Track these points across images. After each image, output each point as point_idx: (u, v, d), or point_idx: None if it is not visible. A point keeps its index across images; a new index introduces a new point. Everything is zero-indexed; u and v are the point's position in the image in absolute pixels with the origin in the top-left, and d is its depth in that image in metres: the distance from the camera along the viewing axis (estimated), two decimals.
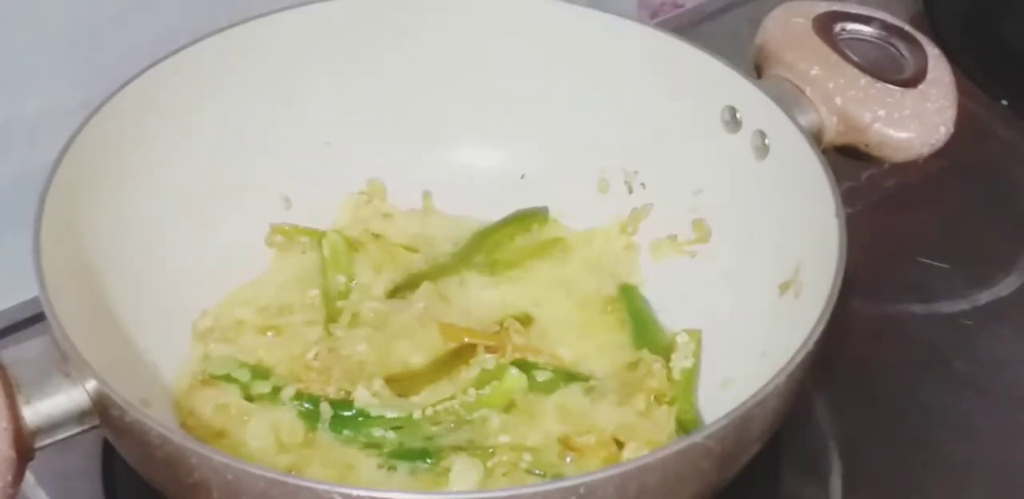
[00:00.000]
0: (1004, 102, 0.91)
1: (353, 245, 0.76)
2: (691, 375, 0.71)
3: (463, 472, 0.65)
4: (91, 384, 0.57)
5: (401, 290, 0.74)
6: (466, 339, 0.72)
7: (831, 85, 0.70)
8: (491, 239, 0.77)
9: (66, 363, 0.58)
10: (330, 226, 0.78)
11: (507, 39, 0.76)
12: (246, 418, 0.69)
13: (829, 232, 0.63)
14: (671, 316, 0.74)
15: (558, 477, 0.64)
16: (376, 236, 0.77)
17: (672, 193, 0.76)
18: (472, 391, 0.69)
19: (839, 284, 0.60)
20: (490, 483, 0.66)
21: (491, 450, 0.67)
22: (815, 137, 0.69)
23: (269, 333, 0.73)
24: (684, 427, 0.69)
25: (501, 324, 0.73)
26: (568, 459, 0.67)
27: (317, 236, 0.76)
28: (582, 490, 0.53)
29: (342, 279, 0.74)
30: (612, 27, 0.75)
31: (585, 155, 0.78)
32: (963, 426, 0.73)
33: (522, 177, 0.79)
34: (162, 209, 0.72)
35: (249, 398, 0.69)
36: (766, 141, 0.70)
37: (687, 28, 0.94)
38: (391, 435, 0.68)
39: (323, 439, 0.68)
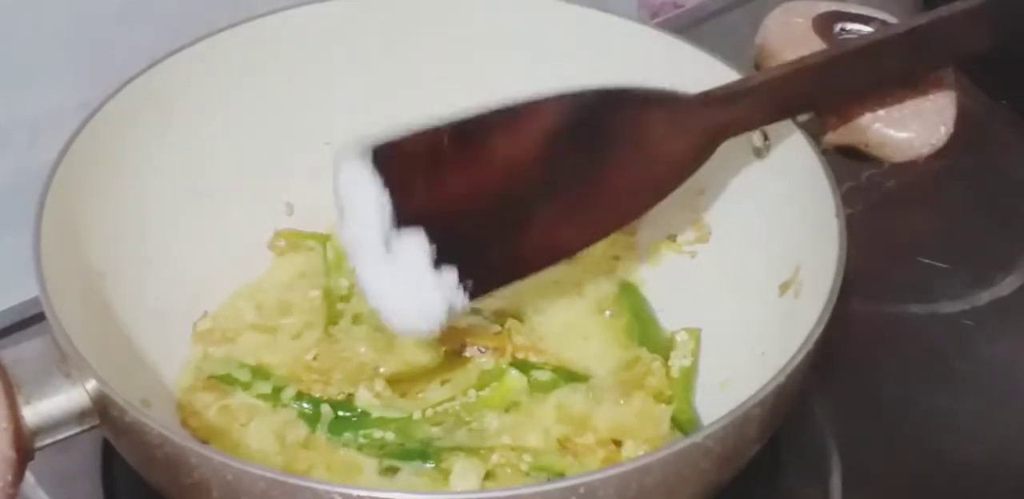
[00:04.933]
0: (1004, 102, 0.91)
1: None
2: (689, 374, 0.71)
3: (464, 473, 0.65)
4: (91, 384, 0.57)
5: None
6: (468, 340, 0.72)
7: None
8: None
9: (66, 363, 0.58)
10: (331, 227, 0.77)
11: (507, 39, 0.76)
12: (247, 419, 0.69)
13: (829, 232, 0.63)
14: (671, 316, 0.74)
15: (558, 477, 0.64)
16: None
17: (672, 193, 0.76)
18: (472, 392, 0.69)
19: (839, 284, 0.60)
20: (490, 484, 0.66)
21: (491, 451, 0.67)
22: (815, 137, 0.69)
23: (269, 334, 0.73)
24: (681, 427, 0.69)
25: (502, 324, 0.73)
26: (568, 459, 0.67)
27: (321, 240, 0.76)
28: (582, 490, 0.53)
29: (344, 282, 0.74)
30: (612, 27, 0.75)
31: None
32: (963, 426, 0.73)
33: None
34: (162, 209, 0.72)
35: (250, 399, 0.69)
36: (766, 141, 0.70)
37: (687, 28, 0.94)
38: (391, 436, 0.68)
39: (324, 440, 0.68)
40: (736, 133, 0.66)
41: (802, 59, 0.66)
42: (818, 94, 0.67)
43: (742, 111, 0.65)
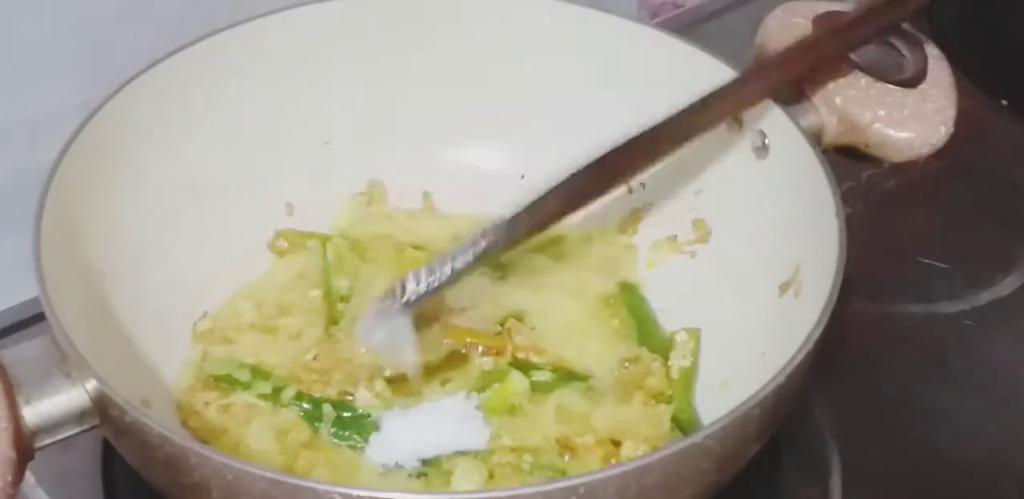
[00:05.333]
0: (1004, 102, 0.91)
1: (357, 248, 0.76)
2: (689, 374, 0.71)
3: (465, 474, 0.66)
4: (91, 384, 0.57)
5: None
6: (468, 340, 0.72)
7: (831, 85, 0.70)
8: None
9: (66, 363, 0.58)
10: (331, 227, 0.78)
11: (507, 39, 0.76)
12: (247, 419, 0.69)
13: (829, 232, 0.63)
14: (671, 316, 0.74)
15: (558, 477, 0.64)
16: (381, 237, 0.77)
17: (672, 193, 0.76)
18: (475, 394, 0.69)
19: (839, 284, 0.60)
20: (491, 484, 0.66)
21: (492, 452, 0.67)
22: (815, 137, 0.69)
23: (269, 334, 0.73)
24: (681, 427, 0.69)
25: (502, 324, 0.73)
26: (567, 459, 0.67)
27: (322, 240, 0.76)
28: (582, 490, 0.53)
29: (344, 283, 0.74)
30: (612, 27, 0.75)
31: (585, 155, 0.78)
32: (963, 426, 0.73)
33: (522, 177, 0.79)
34: (162, 209, 0.72)
35: (250, 398, 0.70)
36: (766, 141, 0.70)
37: (687, 28, 0.94)
38: None
39: (324, 440, 0.68)
40: None
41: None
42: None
43: None
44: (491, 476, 0.66)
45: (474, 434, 0.68)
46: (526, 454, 0.66)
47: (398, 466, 0.67)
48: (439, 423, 0.69)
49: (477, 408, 0.69)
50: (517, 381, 0.70)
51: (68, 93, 0.71)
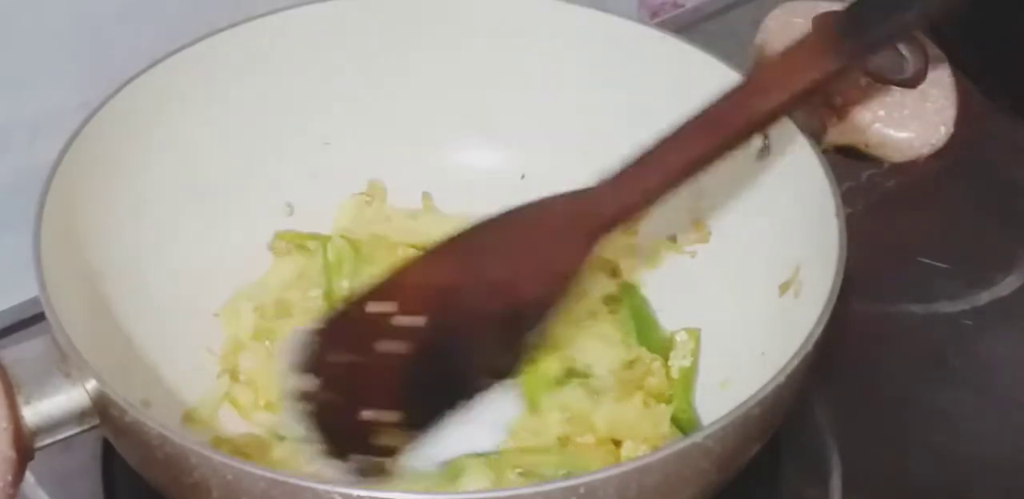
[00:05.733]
0: (1004, 102, 0.91)
1: (357, 248, 0.76)
2: (689, 374, 0.71)
3: (473, 477, 0.65)
4: (91, 384, 0.57)
5: None
6: None
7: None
8: None
9: (66, 363, 0.58)
10: (331, 227, 0.77)
11: (507, 39, 0.76)
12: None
13: (829, 232, 0.63)
14: (671, 316, 0.74)
15: (558, 477, 0.64)
16: (381, 237, 0.77)
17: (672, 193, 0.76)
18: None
19: (839, 284, 0.60)
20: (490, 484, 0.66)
21: (501, 454, 0.67)
22: (815, 137, 0.69)
23: (269, 334, 0.73)
24: (681, 427, 0.69)
25: None
26: (568, 459, 0.67)
27: (322, 241, 0.76)
28: (582, 490, 0.53)
29: (345, 284, 0.74)
30: (612, 27, 0.75)
31: (585, 155, 0.77)
32: (963, 426, 0.73)
33: (522, 177, 0.79)
34: (162, 209, 0.72)
35: None
36: (766, 141, 0.70)
37: (687, 28, 0.94)
38: None
39: None
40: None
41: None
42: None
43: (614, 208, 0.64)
44: (497, 478, 0.66)
45: (484, 436, 0.68)
46: (526, 454, 0.66)
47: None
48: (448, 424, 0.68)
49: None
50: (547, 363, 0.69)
51: (68, 93, 0.71)
